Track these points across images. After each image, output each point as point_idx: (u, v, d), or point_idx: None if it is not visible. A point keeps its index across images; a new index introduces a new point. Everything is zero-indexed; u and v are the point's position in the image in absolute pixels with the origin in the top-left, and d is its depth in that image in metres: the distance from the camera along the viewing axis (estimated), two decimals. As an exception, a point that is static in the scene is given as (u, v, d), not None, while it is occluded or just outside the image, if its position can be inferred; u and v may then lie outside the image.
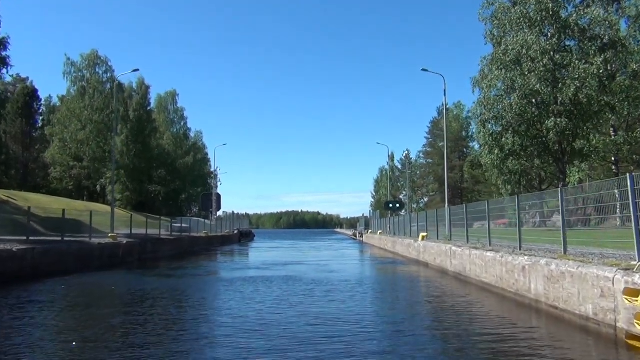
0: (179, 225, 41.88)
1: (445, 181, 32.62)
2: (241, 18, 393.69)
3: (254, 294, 13.76)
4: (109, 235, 27.64)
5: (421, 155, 79.66)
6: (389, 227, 40.71)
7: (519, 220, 15.01)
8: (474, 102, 30.85)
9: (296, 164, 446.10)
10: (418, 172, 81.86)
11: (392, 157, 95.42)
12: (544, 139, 27.86)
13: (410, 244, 27.81)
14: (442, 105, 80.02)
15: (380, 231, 46.05)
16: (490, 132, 28.60)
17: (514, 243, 17.28)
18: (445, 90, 32.83)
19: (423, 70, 33.39)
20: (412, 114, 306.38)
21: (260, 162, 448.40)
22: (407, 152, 58.45)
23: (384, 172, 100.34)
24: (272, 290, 14.52)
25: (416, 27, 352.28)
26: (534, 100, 27.58)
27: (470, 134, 72.95)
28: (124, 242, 27.64)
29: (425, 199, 78.59)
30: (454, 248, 18.94)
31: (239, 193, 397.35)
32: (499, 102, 27.98)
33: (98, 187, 72.88)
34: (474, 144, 73.84)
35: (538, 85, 26.49)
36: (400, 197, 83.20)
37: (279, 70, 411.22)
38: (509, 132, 28.27)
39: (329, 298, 13.00)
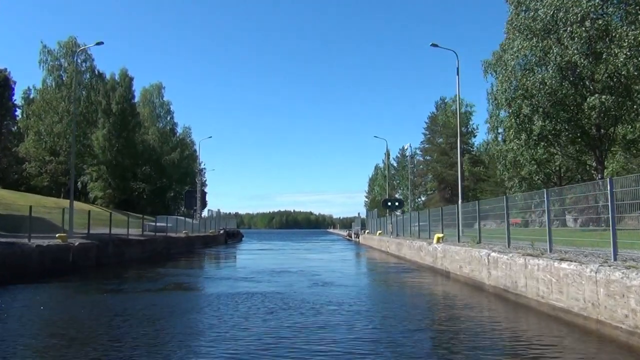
0: (161, 224, 36.60)
1: (459, 168, 27.54)
2: (234, 12, 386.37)
3: (206, 335, 8.42)
4: (58, 235, 22.18)
5: (418, 152, 74.53)
6: (390, 227, 35.60)
7: (612, 217, 9.85)
8: (497, 78, 25.66)
9: (289, 164, 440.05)
10: (415, 170, 76.76)
11: (387, 155, 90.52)
12: (580, 122, 22.82)
13: (421, 247, 22.64)
14: (440, 99, 75.22)
15: (379, 231, 40.89)
16: (517, 113, 23.39)
17: (577, 248, 12.28)
18: (458, 69, 27.78)
19: (433, 45, 28.49)
20: (407, 113, 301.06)
21: (253, 162, 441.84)
22: (408, 145, 53.11)
23: (379, 170, 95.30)
24: (237, 326, 9.16)
25: (413, 22, 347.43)
26: (569, 75, 22.50)
27: (469, 129, 68.04)
28: (76, 243, 22.24)
29: (423, 198, 73.48)
30: (494, 254, 13.75)
31: (232, 193, 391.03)
32: (528, 77, 22.85)
33: (79, 184, 67.41)
34: (475, 139, 69.05)
35: (577, 56, 21.39)
36: (396, 195, 78.16)
37: (271, 71, 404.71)
38: (539, 113, 23.14)
39: (322, 347, 7.73)
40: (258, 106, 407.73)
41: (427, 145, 71.12)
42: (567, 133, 23.29)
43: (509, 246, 14.80)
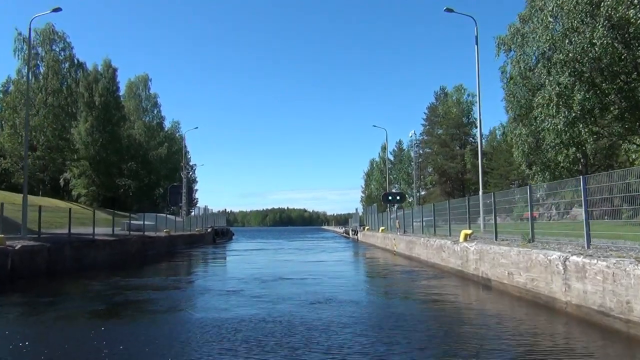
0: (137, 222, 32.05)
1: (479, 153, 23.21)
2: (226, 3, 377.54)
3: None
4: (-7, 237, 17.50)
5: (417, 144, 70.11)
6: (397, 223, 31.11)
7: None
8: (533, 38, 21.19)
9: (282, 161, 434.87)
10: (413, 163, 72.47)
11: (384, 148, 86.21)
12: (633, 93, 18.43)
13: (443, 247, 18.17)
14: (440, 89, 70.64)
15: (382, 228, 36.41)
16: (558, 82, 18.90)
17: None
18: (477, 37, 23.71)
19: (448, 10, 24.18)
20: (402, 108, 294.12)
21: (245, 159, 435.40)
22: (412, 132, 48.65)
23: (374, 165, 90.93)
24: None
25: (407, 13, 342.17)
26: (618, 35, 18.06)
27: (471, 120, 63.70)
28: (17, 246, 17.56)
29: (422, 192, 69.04)
30: (575, 258, 9.29)
31: (225, 191, 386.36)
32: (571, 38, 18.38)
33: (61, 181, 62.55)
34: (476, 130, 64.78)
35: (632, 11, 16.98)
36: (393, 190, 73.75)
37: (263, 66, 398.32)
38: (582, 83, 18.72)
39: None
40: (251, 103, 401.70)
41: (426, 137, 66.65)
42: (616, 107, 18.89)
43: (588, 246, 10.37)
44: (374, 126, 72.38)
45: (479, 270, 14.37)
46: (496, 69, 61.18)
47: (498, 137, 64.97)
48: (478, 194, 21.23)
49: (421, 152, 68.57)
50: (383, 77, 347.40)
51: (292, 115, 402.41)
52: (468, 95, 62.54)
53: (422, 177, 67.78)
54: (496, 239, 14.98)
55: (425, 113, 68.09)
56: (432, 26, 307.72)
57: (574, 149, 20.67)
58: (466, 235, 16.71)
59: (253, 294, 12.41)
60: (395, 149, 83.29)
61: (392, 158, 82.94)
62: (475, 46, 23.53)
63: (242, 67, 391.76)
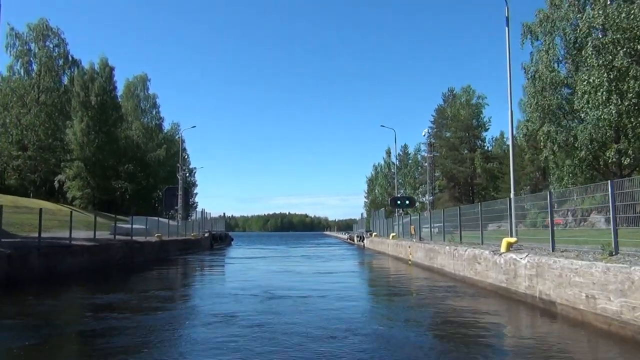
0: (125, 225, 28.94)
1: (511, 152, 20.01)
2: (227, 7, 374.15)
3: None
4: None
5: (423, 147, 67.00)
6: (413, 229, 27.84)
7: None
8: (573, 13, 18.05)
9: (283, 166, 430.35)
10: (420, 168, 69.47)
11: (388, 153, 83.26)
12: None
13: (478, 257, 14.97)
14: (448, 91, 67.43)
15: (393, 234, 33.20)
16: (611, 64, 15.77)
17: None
18: (507, 18, 20.72)
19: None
20: (407, 112, 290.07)
21: (248, 164, 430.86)
22: (425, 131, 45.39)
23: (378, 170, 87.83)
24: None
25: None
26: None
27: (481, 122, 60.53)
28: (-34, 254, 14.46)
29: (430, 198, 65.72)
30: None
31: (226, 196, 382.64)
32: (625, 10, 15.28)
33: (56, 183, 59.49)
34: (486, 134, 61.70)
35: None
36: (397, 195, 70.47)
37: (266, 71, 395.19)
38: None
39: None
40: (253, 108, 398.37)
41: (434, 140, 63.45)
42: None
43: None
44: (382, 126, 69.22)
45: (534, 289, 11.20)
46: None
47: (507, 141, 61.79)
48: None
49: (429, 155, 65.42)
50: (386, 82, 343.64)
51: (294, 120, 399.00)
52: (478, 97, 59.50)
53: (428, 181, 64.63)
54: (553, 250, 11.80)
55: (432, 115, 65.13)
56: (434, 30, 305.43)
57: (626, 143, 17.48)
58: (509, 244, 13.57)
59: (247, 323, 9.25)
60: (401, 153, 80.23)
61: (397, 163, 79.84)
62: (506, 28, 20.51)
63: (245, 71, 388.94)
